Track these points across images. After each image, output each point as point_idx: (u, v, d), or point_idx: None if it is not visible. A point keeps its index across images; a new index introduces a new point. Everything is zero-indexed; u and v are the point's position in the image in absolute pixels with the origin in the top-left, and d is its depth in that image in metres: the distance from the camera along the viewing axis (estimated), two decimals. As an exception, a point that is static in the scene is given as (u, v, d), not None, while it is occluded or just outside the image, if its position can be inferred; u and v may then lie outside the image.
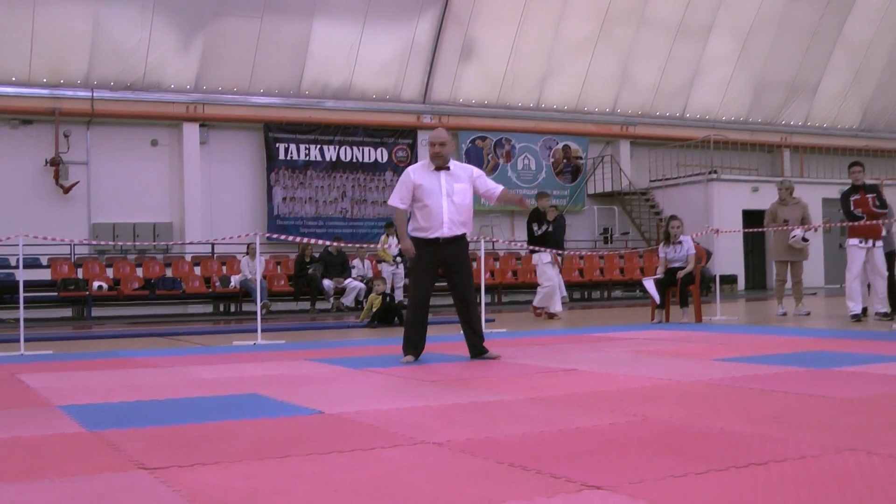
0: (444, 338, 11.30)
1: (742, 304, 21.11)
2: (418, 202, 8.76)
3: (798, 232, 14.59)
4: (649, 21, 29.13)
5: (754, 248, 28.93)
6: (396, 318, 15.10)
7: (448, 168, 8.86)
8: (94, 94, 23.42)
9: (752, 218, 26.98)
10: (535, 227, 16.72)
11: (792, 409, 5.59)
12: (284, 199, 25.40)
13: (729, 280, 26.27)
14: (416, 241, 8.87)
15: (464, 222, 8.91)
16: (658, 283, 14.63)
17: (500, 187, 9.29)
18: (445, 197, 8.74)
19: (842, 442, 4.44)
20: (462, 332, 9.16)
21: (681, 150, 30.16)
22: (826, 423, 5.06)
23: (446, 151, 8.81)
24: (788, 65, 32.05)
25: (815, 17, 31.47)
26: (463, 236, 8.95)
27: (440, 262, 8.88)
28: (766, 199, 26.60)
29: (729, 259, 26.27)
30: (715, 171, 28.45)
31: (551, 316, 16.39)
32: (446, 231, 8.75)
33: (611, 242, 29.48)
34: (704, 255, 15.85)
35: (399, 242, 8.99)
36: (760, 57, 31.45)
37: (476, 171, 9.19)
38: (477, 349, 9.04)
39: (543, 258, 16.39)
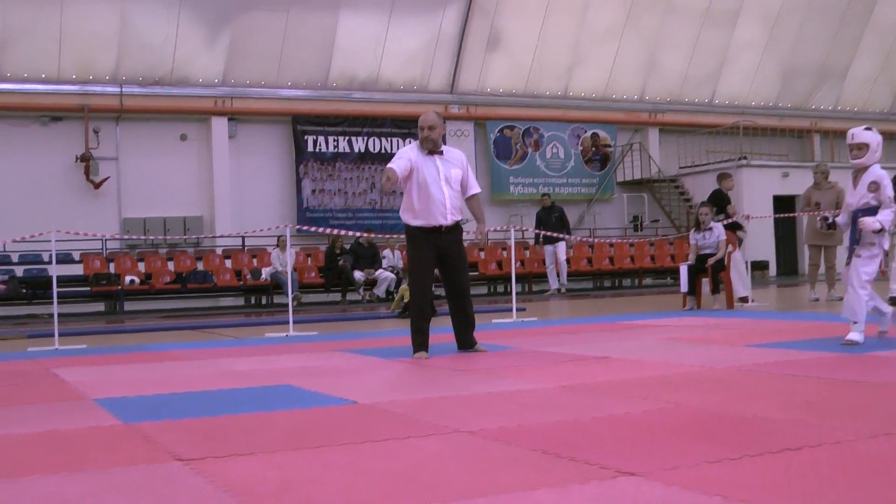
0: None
1: (774, 289, 21.01)
2: (416, 187, 8.49)
3: (826, 215, 14.47)
4: (676, 8, 28.97)
5: (785, 233, 28.78)
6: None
7: (441, 153, 8.62)
8: (123, 90, 23.52)
9: (783, 204, 26.85)
10: (716, 211, 15.64)
11: (825, 395, 5.56)
12: (314, 191, 25.43)
13: (760, 266, 26.15)
14: (415, 229, 8.58)
15: (459, 208, 8.69)
16: (689, 270, 14.59)
17: (478, 189, 8.95)
18: (444, 183, 8.52)
19: (876, 427, 4.42)
20: (451, 321, 8.92)
21: (710, 137, 30.00)
22: (860, 408, 5.03)
23: (436, 135, 8.55)
24: (817, 49, 31.81)
25: (843, 0, 31.24)
26: (458, 223, 8.72)
27: (439, 252, 8.63)
28: (796, 184, 26.50)
29: (760, 245, 26.13)
30: (744, 158, 28.30)
31: (743, 300, 15.45)
32: (449, 218, 8.55)
33: (641, 230, 29.38)
34: (735, 241, 15.76)
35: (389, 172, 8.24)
36: (789, 42, 31.23)
37: (465, 158, 8.94)
38: (467, 341, 8.86)
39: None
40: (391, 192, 8.57)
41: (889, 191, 8.14)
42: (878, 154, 8.18)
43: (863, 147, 8.15)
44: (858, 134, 8.22)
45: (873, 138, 8.16)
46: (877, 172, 8.18)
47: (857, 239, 8.19)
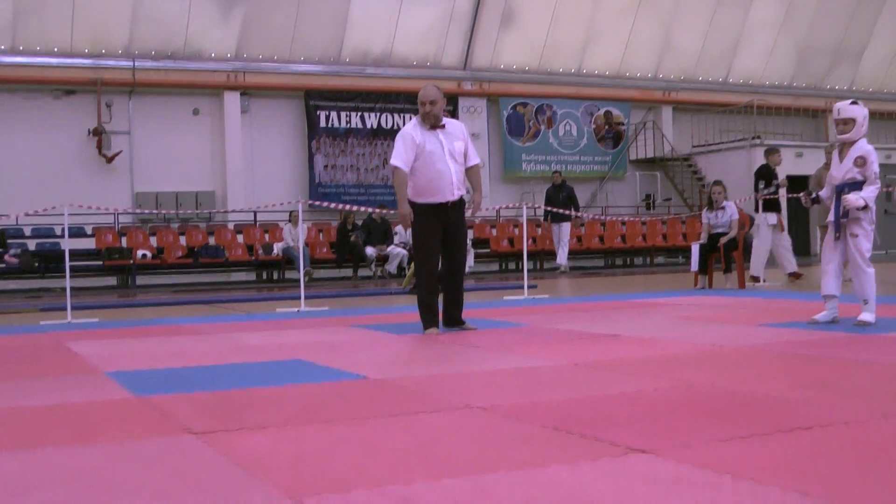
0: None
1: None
2: (421, 165, 8.43)
3: (810, 190, 14.32)
4: (692, -15, 28.87)
5: (798, 213, 28.68)
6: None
7: (443, 126, 8.55)
8: (136, 64, 23.50)
9: (796, 183, 26.73)
10: (762, 186, 15.67)
11: (838, 375, 5.56)
12: (326, 166, 25.42)
13: (772, 246, 26.09)
14: (422, 206, 8.50)
15: (463, 182, 8.66)
16: (701, 249, 14.57)
17: (478, 160, 8.92)
18: (449, 158, 8.46)
19: (889, 407, 4.42)
20: (443, 296, 8.82)
21: (723, 116, 29.89)
22: (873, 389, 5.03)
23: (437, 110, 8.47)
24: (833, 29, 31.65)
25: (860, -21, 31.11)
26: (462, 198, 8.68)
27: (445, 227, 8.56)
28: (810, 164, 26.37)
29: (772, 225, 26.06)
30: (758, 137, 28.18)
31: (795, 276, 15.58)
32: (455, 194, 8.52)
33: (653, 209, 29.32)
34: (748, 220, 15.74)
35: (398, 207, 8.51)
36: (805, 21, 31.07)
37: (465, 129, 8.89)
38: (454, 319, 8.80)
39: (770, 219, 15.54)
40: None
41: (875, 166, 8.12)
42: (864, 128, 8.15)
43: (849, 122, 8.11)
44: (844, 108, 8.17)
45: (860, 112, 8.12)
46: (864, 147, 8.16)
47: (841, 213, 8.16)
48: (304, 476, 3.39)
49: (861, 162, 8.08)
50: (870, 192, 8.04)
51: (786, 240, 15.96)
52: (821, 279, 8.43)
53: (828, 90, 32.30)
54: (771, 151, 16.33)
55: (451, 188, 8.49)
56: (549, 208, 20.55)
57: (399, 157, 8.42)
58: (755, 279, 15.14)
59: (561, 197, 21.77)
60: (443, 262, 8.85)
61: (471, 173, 8.85)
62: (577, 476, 3.29)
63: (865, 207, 8.05)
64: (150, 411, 4.83)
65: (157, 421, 4.58)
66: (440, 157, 8.44)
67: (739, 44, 30.70)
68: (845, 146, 8.25)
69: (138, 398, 5.23)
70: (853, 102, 8.20)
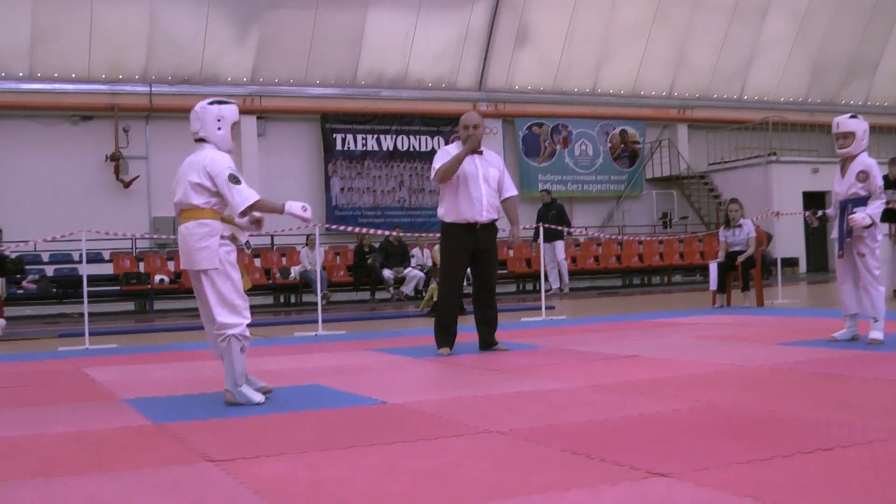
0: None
1: (804, 286, 20.91)
2: (456, 185, 8.58)
3: (816, 209, 14.09)
4: (705, 2, 28.81)
5: (815, 230, 28.58)
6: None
7: (481, 152, 8.72)
8: (153, 89, 23.63)
9: (813, 200, 26.69)
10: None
11: (858, 394, 5.53)
12: (342, 189, 25.46)
13: (790, 263, 26.00)
14: (451, 226, 8.66)
15: (497, 207, 8.77)
16: (719, 267, 14.52)
17: (515, 192, 9.09)
18: (483, 181, 8.61)
19: (910, 426, 4.39)
20: (476, 319, 8.95)
21: (739, 133, 29.84)
22: (893, 408, 5.00)
23: (480, 134, 8.65)
24: (847, 44, 31.60)
25: (874, -6, 31.06)
26: (494, 222, 8.79)
27: (474, 249, 8.67)
28: (826, 180, 26.28)
29: (790, 242, 25.97)
30: (774, 154, 28.13)
31: None
32: (485, 216, 8.61)
33: (670, 227, 29.26)
34: (765, 238, 15.69)
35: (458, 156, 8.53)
36: (818, 36, 31.03)
37: (502, 161, 9.08)
38: (488, 341, 8.87)
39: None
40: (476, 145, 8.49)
41: (878, 180, 8.07)
42: (864, 142, 8.09)
43: (849, 136, 8.06)
44: (844, 122, 8.11)
45: (859, 126, 8.07)
46: (865, 161, 8.11)
47: (847, 231, 8.11)
48: (322, 503, 3.38)
49: (863, 177, 8.03)
50: (875, 209, 7.99)
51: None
52: (840, 297, 8.38)
53: (842, 105, 32.18)
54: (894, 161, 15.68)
55: (482, 210, 8.59)
56: (540, 225, 19.83)
57: (439, 159, 8.65)
58: None
59: (550, 216, 20.78)
60: (474, 284, 8.95)
61: (507, 205, 8.98)
62: (598, 501, 3.28)
63: (872, 224, 8.01)
64: (167, 439, 4.83)
65: (176, 448, 4.58)
66: (474, 180, 8.58)
67: (753, 60, 30.68)
68: (847, 161, 8.20)
69: (156, 425, 5.24)
70: (852, 116, 8.15)
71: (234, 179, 6.01)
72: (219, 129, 6.11)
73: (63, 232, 13.50)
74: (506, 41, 27.07)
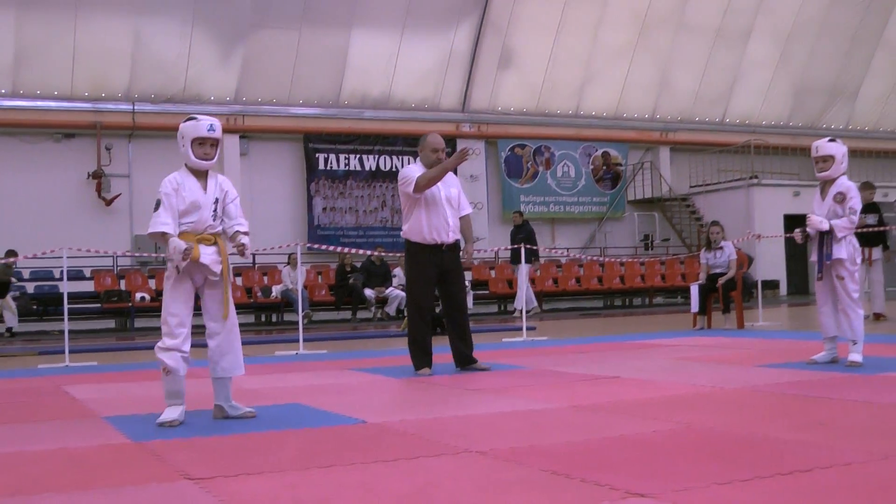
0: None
1: (784, 309, 20.98)
2: (420, 207, 8.62)
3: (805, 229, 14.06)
4: (688, 26, 28.99)
5: (796, 253, 28.66)
6: (439, 328, 14.83)
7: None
8: (136, 108, 23.62)
9: (794, 223, 26.67)
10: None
11: (837, 416, 5.56)
12: (325, 209, 25.47)
13: (771, 286, 26.08)
14: (416, 246, 8.70)
15: (458, 228, 8.84)
16: (700, 289, 14.56)
17: (469, 210, 9.13)
18: (445, 202, 8.68)
19: (889, 448, 4.41)
20: (449, 339, 8.96)
21: (721, 156, 29.97)
22: (872, 430, 5.02)
23: (444, 157, 8.74)
24: (829, 68, 31.80)
25: (855, 19, 31.20)
26: (458, 243, 8.86)
27: (440, 270, 8.73)
28: (807, 203, 26.34)
29: (771, 264, 26.06)
30: (755, 176, 28.25)
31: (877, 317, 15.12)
32: (451, 236, 8.69)
33: (651, 249, 29.33)
34: (746, 260, 15.74)
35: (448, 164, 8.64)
36: (801, 61, 31.21)
37: (458, 181, 9.11)
38: (466, 359, 8.87)
39: (875, 253, 15.18)
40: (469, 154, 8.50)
41: (854, 202, 8.13)
42: (843, 165, 8.16)
43: (828, 159, 8.13)
44: (823, 146, 8.18)
45: (838, 150, 8.13)
46: (845, 184, 8.20)
47: (826, 254, 8.16)
48: (302, 522, 3.38)
49: (840, 198, 8.11)
50: (839, 222, 8.06)
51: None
52: (819, 320, 8.42)
53: (824, 129, 32.31)
54: (866, 186, 15.70)
55: (447, 230, 8.67)
56: (522, 246, 19.52)
57: (413, 174, 8.62)
58: (878, 316, 14.94)
59: (519, 238, 20.20)
60: (443, 305, 9.01)
61: (463, 223, 9.00)
62: (577, 521, 3.28)
63: (831, 231, 8.07)
64: (147, 457, 4.82)
65: (155, 467, 4.57)
66: (438, 200, 8.64)
67: (736, 84, 30.83)
68: (826, 184, 8.27)
69: (136, 443, 5.22)
70: (831, 140, 8.22)
71: (156, 205, 6.08)
72: (182, 146, 6.10)
73: (44, 249, 13.46)
74: (489, 63, 27.16)
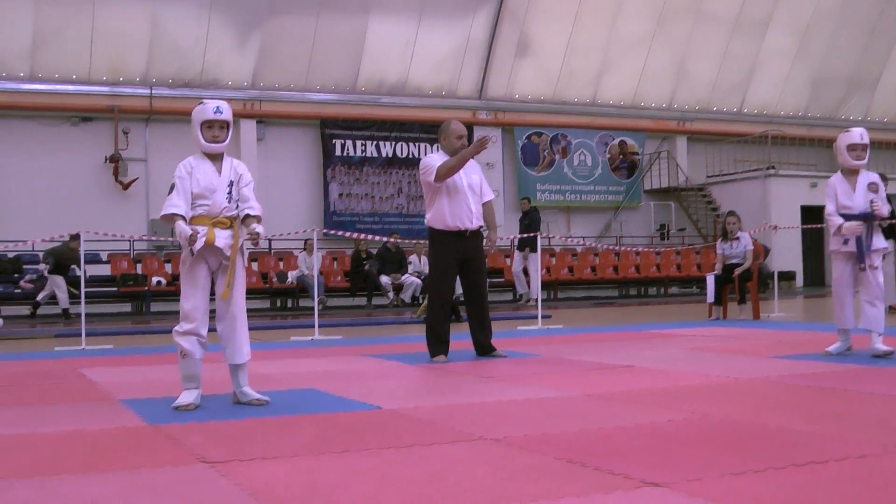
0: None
1: (800, 300, 20.93)
2: (442, 194, 8.64)
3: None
4: (706, 16, 28.88)
5: (812, 244, 28.62)
6: (454, 315, 14.81)
7: None
8: (153, 92, 23.66)
9: (811, 214, 26.69)
10: None
11: (852, 408, 5.55)
12: (341, 195, 25.48)
13: (787, 277, 26.02)
14: (439, 233, 8.72)
15: (481, 215, 8.86)
16: (716, 279, 14.54)
17: (492, 196, 9.17)
18: (468, 189, 8.71)
19: (903, 441, 4.40)
20: (469, 326, 9.02)
21: (738, 146, 29.89)
22: (887, 422, 5.02)
23: (467, 144, 8.76)
24: (848, 59, 31.65)
25: (874, 10, 31.05)
26: (480, 230, 8.88)
27: (462, 257, 8.75)
28: (823, 195, 26.33)
29: (787, 256, 26.00)
30: (773, 167, 28.17)
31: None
32: (474, 223, 8.72)
33: (667, 239, 29.28)
34: (762, 251, 15.69)
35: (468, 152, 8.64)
36: (819, 51, 31.08)
37: (479, 167, 9.14)
38: (485, 347, 8.94)
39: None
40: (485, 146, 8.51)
41: (884, 193, 8.15)
42: None
43: (866, 147, 8.13)
44: (866, 134, 8.16)
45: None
46: (872, 174, 8.23)
47: (867, 244, 8.12)
48: (317, 507, 3.39)
49: (875, 188, 8.11)
50: (886, 210, 8.11)
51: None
52: (838, 311, 8.39)
53: (842, 120, 32.23)
54: None
55: (470, 217, 8.68)
56: (538, 234, 19.32)
57: (432, 163, 8.65)
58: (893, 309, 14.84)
59: (523, 225, 20.64)
60: (465, 292, 9.03)
61: (485, 209, 9.02)
62: (590, 509, 3.29)
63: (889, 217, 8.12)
64: (163, 440, 4.84)
65: (171, 450, 4.59)
66: (460, 187, 8.66)
67: (754, 74, 30.72)
68: (851, 174, 8.21)
69: (152, 426, 5.25)
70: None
71: (169, 189, 6.09)
72: (194, 131, 6.09)
73: (61, 232, 13.52)
74: (507, 51, 27.11)
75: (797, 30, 30.43)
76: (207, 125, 6.05)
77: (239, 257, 6.20)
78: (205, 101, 6.16)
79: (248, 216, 6.15)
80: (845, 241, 8.18)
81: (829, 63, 31.41)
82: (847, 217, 8.11)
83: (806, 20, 30.28)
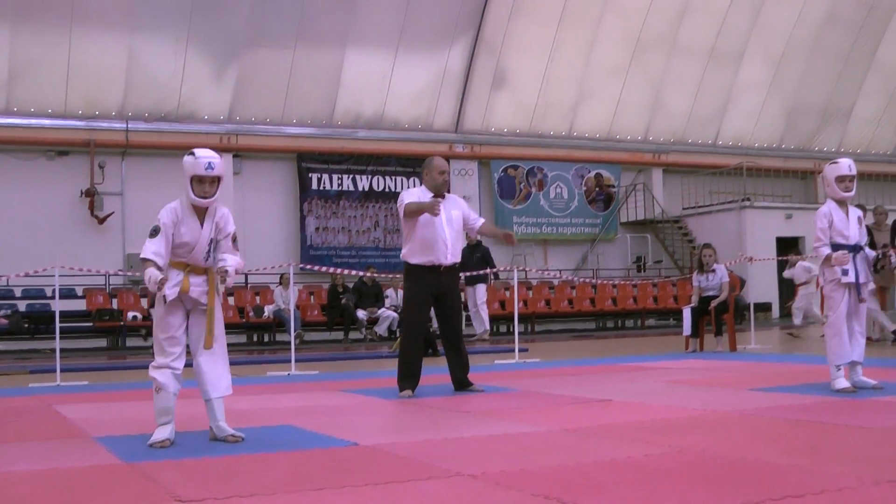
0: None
1: (776, 332, 20.97)
2: (420, 227, 8.61)
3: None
4: (681, 48, 29.06)
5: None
6: (430, 349, 14.74)
7: (443, 195, 8.80)
8: (129, 126, 23.60)
9: (786, 245, 26.82)
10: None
11: (829, 440, 5.55)
12: (317, 228, 25.47)
13: (763, 308, 26.10)
14: (414, 268, 8.71)
15: (458, 250, 8.86)
16: (692, 311, 14.57)
17: (481, 219, 9.21)
18: (446, 223, 8.68)
19: (880, 473, 4.41)
20: (447, 361, 8.98)
21: (713, 178, 30.03)
22: (864, 454, 5.02)
23: (449, 179, 8.84)
24: (821, 90, 31.88)
25: (848, 41, 31.29)
26: (456, 265, 8.86)
27: (437, 291, 8.73)
28: (799, 225, 26.56)
29: (763, 287, 26.06)
30: (748, 199, 28.31)
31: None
32: (449, 258, 8.68)
33: (644, 271, 29.32)
34: (738, 283, 15.73)
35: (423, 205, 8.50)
36: (793, 82, 31.30)
37: (461, 199, 9.19)
38: (462, 382, 8.90)
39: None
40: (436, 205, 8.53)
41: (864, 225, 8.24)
42: None
43: (854, 179, 8.15)
44: (854, 166, 8.17)
45: None
46: (856, 209, 8.27)
47: (867, 277, 8.16)
48: (293, 546, 3.37)
49: (860, 221, 8.17)
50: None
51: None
52: (840, 345, 8.00)
53: (816, 152, 32.46)
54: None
55: (446, 252, 8.66)
56: (493, 270, 19.07)
57: (411, 198, 8.66)
58: None
59: (475, 258, 19.70)
60: (440, 327, 9.03)
61: (485, 228, 9.24)
62: (568, 546, 3.28)
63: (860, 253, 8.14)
64: (138, 478, 4.81)
65: (146, 488, 4.56)
66: (439, 222, 8.62)
67: (728, 105, 30.91)
68: (843, 204, 8.20)
69: (127, 464, 5.21)
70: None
71: (152, 231, 6.10)
72: (185, 182, 6.04)
73: (36, 267, 13.44)
74: (483, 83, 27.21)
75: (771, 61, 30.66)
76: (198, 180, 5.99)
77: (217, 301, 6.15)
78: (197, 153, 6.08)
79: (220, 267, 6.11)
80: (845, 272, 8.07)
81: (803, 94, 31.64)
82: (840, 247, 8.07)
83: (779, 51, 30.51)
